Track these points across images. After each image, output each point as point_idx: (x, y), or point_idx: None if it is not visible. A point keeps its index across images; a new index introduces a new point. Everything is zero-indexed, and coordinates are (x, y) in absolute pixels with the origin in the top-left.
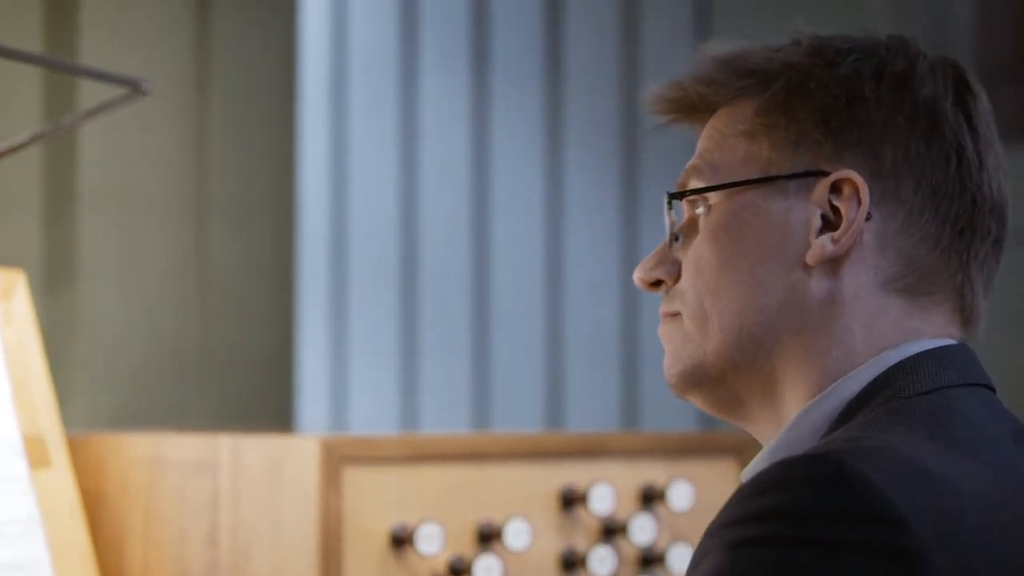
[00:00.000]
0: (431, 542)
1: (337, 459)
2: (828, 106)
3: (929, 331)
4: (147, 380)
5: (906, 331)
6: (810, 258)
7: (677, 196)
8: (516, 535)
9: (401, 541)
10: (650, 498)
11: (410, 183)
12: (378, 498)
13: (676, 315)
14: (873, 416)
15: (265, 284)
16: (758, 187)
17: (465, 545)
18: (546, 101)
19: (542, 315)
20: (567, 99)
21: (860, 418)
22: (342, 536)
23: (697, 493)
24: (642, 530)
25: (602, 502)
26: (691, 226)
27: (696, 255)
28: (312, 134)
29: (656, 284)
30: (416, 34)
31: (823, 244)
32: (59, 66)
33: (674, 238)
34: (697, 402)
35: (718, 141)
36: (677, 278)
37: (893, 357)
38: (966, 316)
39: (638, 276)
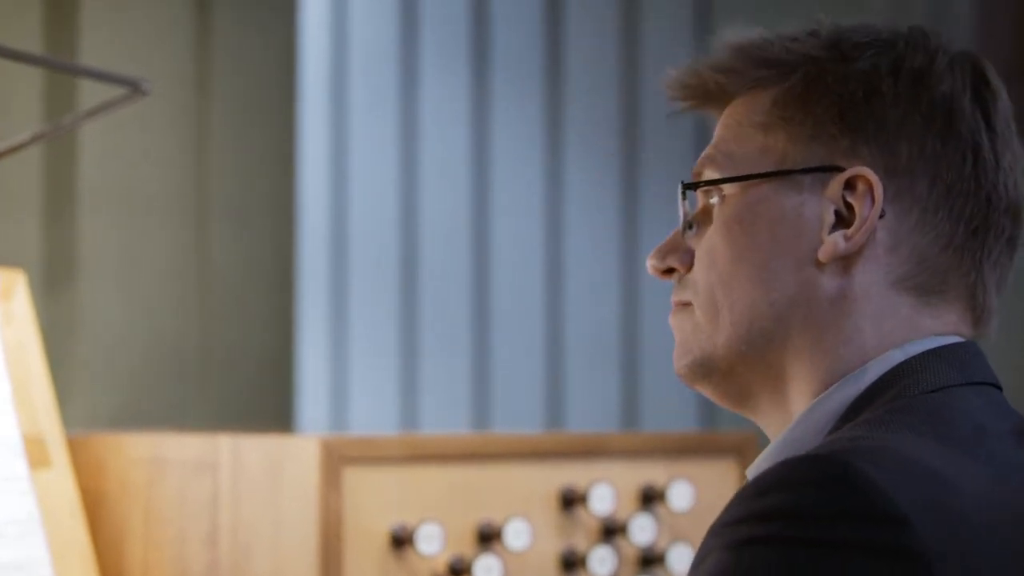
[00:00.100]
0: (431, 542)
1: (337, 459)
2: (845, 101)
3: (939, 329)
4: (147, 380)
5: (915, 330)
6: (822, 255)
7: (692, 187)
8: (516, 535)
9: (401, 541)
10: (650, 498)
11: (410, 183)
12: (378, 498)
13: (687, 305)
14: (877, 415)
15: (265, 284)
16: (772, 180)
17: (465, 545)
18: (546, 101)
19: (542, 315)
20: (567, 99)
21: (865, 416)
22: (342, 536)
23: (697, 493)
24: (642, 530)
25: (602, 502)
26: (705, 214)
27: (709, 246)
28: (312, 134)
29: (668, 272)
30: (416, 34)
31: (835, 241)
32: (59, 66)
33: (688, 226)
34: (706, 392)
35: (735, 131)
36: (690, 267)
37: (900, 355)
38: (977, 315)
39: (651, 263)
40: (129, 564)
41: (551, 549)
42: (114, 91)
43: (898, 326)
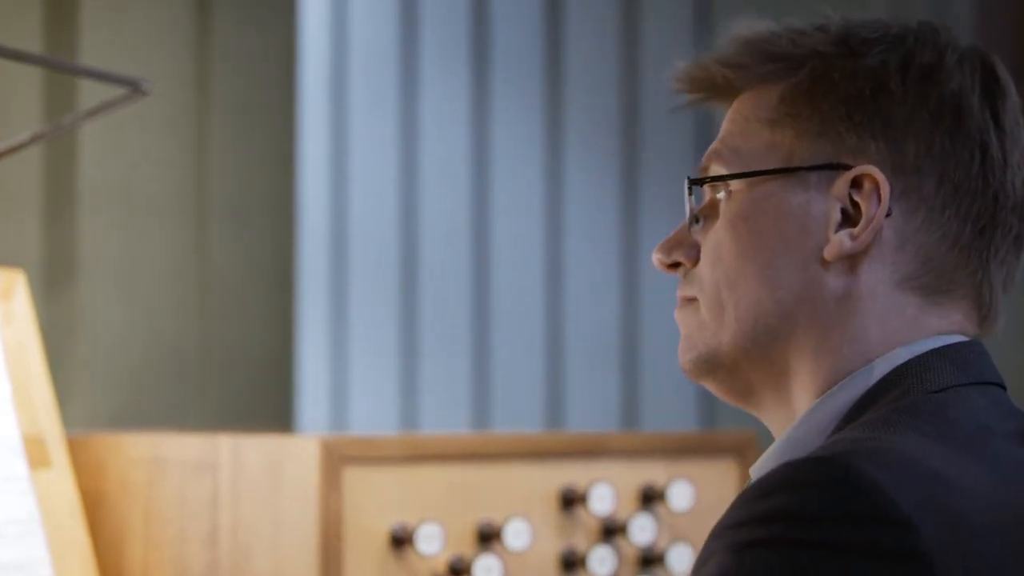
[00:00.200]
0: (431, 542)
1: (337, 459)
2: (852, 98)
3: (944, 328)
4: (147, 380)
5: (920, 329)
6: (828, 253)
7: (698, 182)
8: (516, 535)
9: (401, 541)
10: (650, 498)
11: (410, 183)
12: (378, 498)
13: (693, 300)
14: (881, 414)
15: (265, 284)
16: (779, 177)
17: (465, 545)
18: (546, 101)
19: (542, 315)
20: (567, 99)
21: (868, 416)
22: (342, 536)
23: (697, 493)
24: (642, 530)
25: (602, 502)
26: (711, 209)
27: (715, 242)
28: (312, 134)
29: (674, 266)
30: (416, 34)
31: (841, 240)
32: (59, 66)
33: (694, 219)
34: (710, 388)
35: (741, 126)
36: (695, 261)
37: (904, 355)
38: (984, 314)
39: (657, 257)
40: (129, 564)
41: (551, 549)
42: (114, 91)
43: (903, 325)
